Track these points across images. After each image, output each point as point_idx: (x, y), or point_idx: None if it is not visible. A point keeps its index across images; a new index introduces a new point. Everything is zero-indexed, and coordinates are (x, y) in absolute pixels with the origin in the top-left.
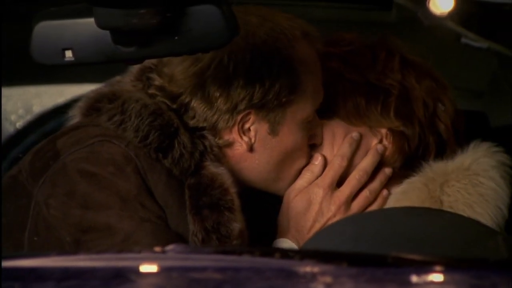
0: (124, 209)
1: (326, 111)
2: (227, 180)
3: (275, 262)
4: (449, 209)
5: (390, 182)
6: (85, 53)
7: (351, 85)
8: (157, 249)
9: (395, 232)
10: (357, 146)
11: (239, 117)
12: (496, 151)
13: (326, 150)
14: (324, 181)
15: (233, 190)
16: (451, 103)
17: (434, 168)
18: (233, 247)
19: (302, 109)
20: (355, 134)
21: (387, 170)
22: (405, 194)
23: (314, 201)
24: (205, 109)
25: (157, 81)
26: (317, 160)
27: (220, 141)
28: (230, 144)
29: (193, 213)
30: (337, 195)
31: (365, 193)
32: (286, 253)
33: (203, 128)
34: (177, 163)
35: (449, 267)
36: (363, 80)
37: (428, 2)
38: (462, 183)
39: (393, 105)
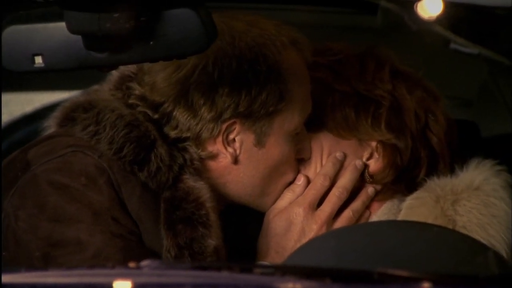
0: (95, 223)
1: (313, 124)
2: (204, 195)
3: (255, 278)
4: (462, 229)
5: (382, 197)
6: (56, 59)
7: (340, 96)
8: (132, 264)
9: (381, 247)
10: (340, 165)
11: (224, 127)
12: (500, 170)
13: (314, 165)
14: (305, 200)
15: (209, 204)
16: (443, 115)
17: (441, 185)
18: (211, 262)
19: (290, 120)
20: (338, 154)
21: (370, 190)
22: (413, 210)
23: (295, 221)
24: (189, 118)
25: (138, 90)
26: (300, 180)
27: (204, 153)
28: (213, 156)
29: (166, 228)
30: (318, 214)
31: (348, 213)
32: (266, 269)
33: (185, 139)
34: (154, 177)
35: (437, 283)
36: (352, 91)
37: (416, 6)
38: (474, 203)
39: (384, 116)
